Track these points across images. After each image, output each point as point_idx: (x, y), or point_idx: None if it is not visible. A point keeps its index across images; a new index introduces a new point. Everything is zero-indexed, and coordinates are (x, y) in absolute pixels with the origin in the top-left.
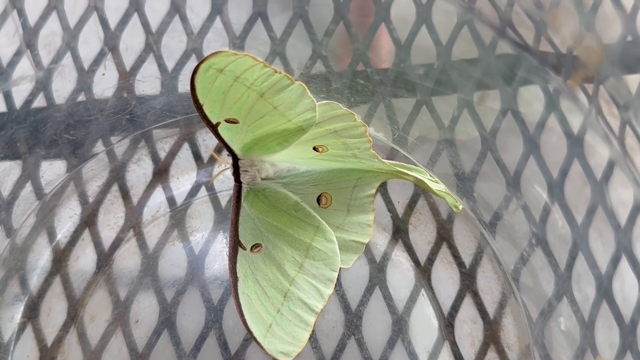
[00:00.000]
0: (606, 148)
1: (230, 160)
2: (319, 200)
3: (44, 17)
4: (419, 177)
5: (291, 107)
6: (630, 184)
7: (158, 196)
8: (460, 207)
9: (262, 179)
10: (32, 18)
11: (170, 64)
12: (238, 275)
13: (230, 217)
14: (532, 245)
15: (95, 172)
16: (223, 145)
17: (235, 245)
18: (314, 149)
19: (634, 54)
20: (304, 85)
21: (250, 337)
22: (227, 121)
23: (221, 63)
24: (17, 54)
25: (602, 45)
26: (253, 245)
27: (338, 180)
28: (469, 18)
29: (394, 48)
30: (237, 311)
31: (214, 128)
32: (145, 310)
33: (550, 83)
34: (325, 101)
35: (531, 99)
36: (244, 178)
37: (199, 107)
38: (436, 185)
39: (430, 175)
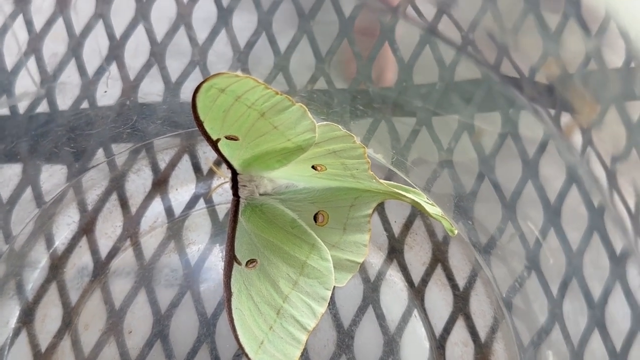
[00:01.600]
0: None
1: (229, 174)
2: (315, 218)
3: (49, 24)
4: (415, 199)
5: (291, 127)
6: (627, 214)
7: (156, 206)
8: (456, 231)
9: (260, 195)
10: (38, 25)
11: (173, 76)
12: (232, 290)
13: (227, 231)
14: (527, 270)
15: (95, 181)
16: (223, 160)
17: (231, 260)
18: (313, 167)
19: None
20: (304, 107)
21: (241, 353)
22: (227, 138)
23: (223, 84)
24: (20, 63)
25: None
26: (248, 261)
27: (336, 198)
28: (471, 41)
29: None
30: (229, 326)
31: (214, 144)
32: (139, 321)
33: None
34: (325, 122)
35: (529, 126)
36: (242, 193)
37: (199, 124)
38: (432, 209)
39: (427, 198)
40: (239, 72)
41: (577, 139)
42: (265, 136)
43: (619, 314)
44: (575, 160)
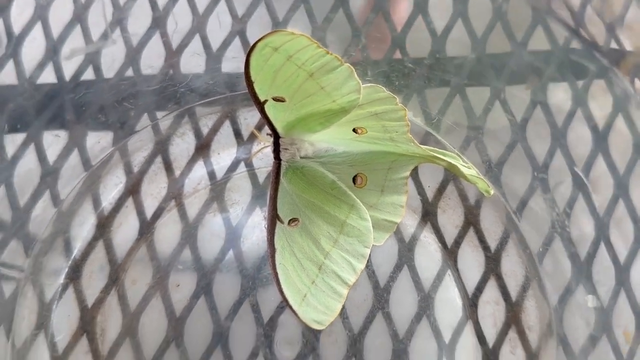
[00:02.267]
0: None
1: (270, 138)
2: (354, 180)
3: None
4: (452, 162)
5: (337, 88)
6: None
7: (199, 170)
8: (492, 191)
9: (301, 157)
10: None
11: (215, 44)
12: (276, 247)
13: (269, 192)
14: (556, 232)
15: (141, 144)
16: (267, 122)
17: (274, 218)
18: (354, 130)
19: None
20: (351, 67)
21: (283, 305)
22: (274, 99)
23: (278, 41)
24: (68, 27)
25: None
26: (290, 220)
27: (374, 161)
28: (504, 11)
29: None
30: (274, 280)
31: (261, 105)
32: (184, 276)
33: (583, 76)
34: (369, 84)
35: (560, 94)
36: (284, 156)
37: (249, 84)
38: (469, 171)
39: (464, 161)
40: (293, 31)
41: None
42: (312, 97)
43: None
44: (609, 119)
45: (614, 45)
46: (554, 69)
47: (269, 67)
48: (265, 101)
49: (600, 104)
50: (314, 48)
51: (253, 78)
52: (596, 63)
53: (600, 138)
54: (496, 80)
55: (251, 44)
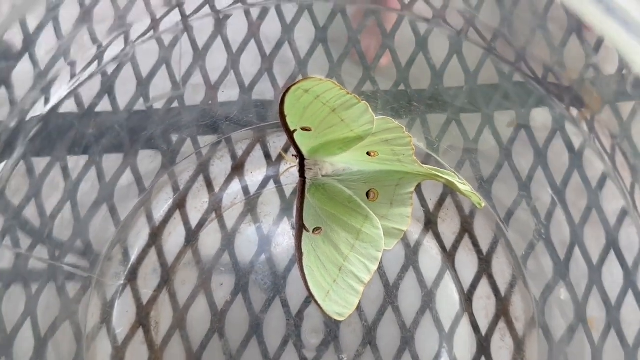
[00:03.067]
0: (601, 164)
1: (295, 159)
2: (368, 194)
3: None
4: (450, 179)
5: (355, 120)
6: (619, 193)
7: (235, 186)
8: (483, 204)
9: (322, 176)
10: (134, 36)
11: (247, 81)
12: (303, 252)
13: (296, 205)
14: (538, 238)
15: (186, 166)
16: (294, 147)
17: (301, 228)
18: (367, 153)
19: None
20: (367, 104)
21: (309, 301)
22: (302, 129)
23: (309, 85)
24: (119, 68)
25: (596, 84)
26: (315, 228)
27: (384, 179)
28: (492, 52)
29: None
30: (302, 279)
31: (290, 134)
32: (225, 277)
33: (555, 109)
34: (381, 116)
35: (541, 119)
36: (308, 174)
37: (282, 117)
38: (464, 186)
39: (459, 178)
40: (322, 77)
41: (583, 128)
42: (333, 127)
43: (613, 273)
44: (582, 143)
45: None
46: (533, 100)
47: (300, 105)
48: (295, 130)
49: (573, 131)
50: (337, 90)
51: (286, 113)
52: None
53: (576, 156)
54: (486, 107)
55: (277, 82)
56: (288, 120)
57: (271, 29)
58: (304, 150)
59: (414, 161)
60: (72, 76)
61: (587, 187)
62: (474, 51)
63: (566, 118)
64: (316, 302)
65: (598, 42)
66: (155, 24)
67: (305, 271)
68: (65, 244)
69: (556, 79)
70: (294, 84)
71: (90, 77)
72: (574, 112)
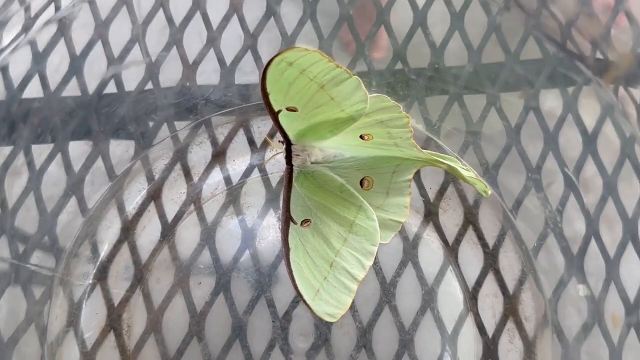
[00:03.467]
0: (617, 144)
1: (282, 145)
2: (361, 183)
3: (114, 11)
4: (452, 165)
5: (346, 98)
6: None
7: (216, 175)
8: (490, 192)
9: (311, 163)
10: (104, 13)
11: (228, 59)
12: (290, 246)
13: (282, 195)
14: (550, 229)
15: (161, 153)
16: (279, 131)
17: (288, 220)
18: (361, 137)
19: None
20: (359, 79)
21: (297, 300)
22: (288, 109)
23: (293, 57)
24: (89, 45)
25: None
26: (303, 221)
27: (379, 166)
28: (498, 24)
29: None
30: (289, 277)
31: (275, 115)
32: (204, 275)
33: (572, 84)
34: (375, 94)
35: (552, 100)
36: (296, 161)
37: (265, 95)
38: (467, 173)
39: (462, 163)
40: (307, 47)
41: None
42: (322, 107)
43: (631, 269)
44: (597, 124)
45: (599, 55)
46: (544, 78)
47: (284, 80)
48: (280, 111)
49: (588, 110)
50: (325, 62)
51: (269, 90)
52: (581, 74)
53: (589, 141)
54: (491, 88)
55: (263, 58)
56: (271, 98)
57: (255, 2)
58: (291, 135)
59: (412, 145)
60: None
61: (602, 173)
62: (478, 24)
63: (583, 94)
64: (305, 301)
65: None
66: None
67: (293, 267)
68: (29, 240)
69: (581, 48)
70: (277, 55)
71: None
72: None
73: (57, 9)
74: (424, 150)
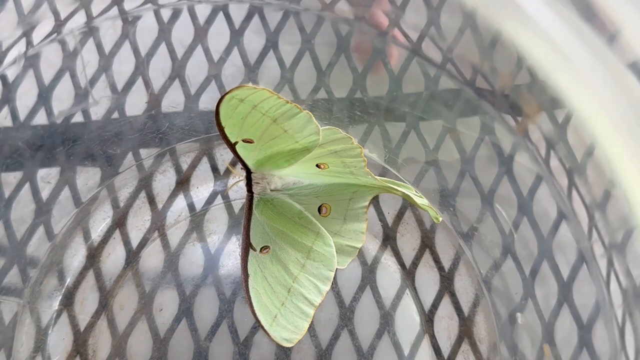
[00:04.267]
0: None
1: (244, 173)
2: (319, 209)
3: (81, 44)
4: (405, 192)
5: (299, 131)
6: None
7: (180, 202)
8: (441, 219)
9: (271, 190)
10: (71, 45)
11: (193, 89)
12: (249, 273)
13: (243, 222)
14: (503, 254)
15: (126, 181)
16: (239, 160)
17: (247, 247)
18: (317, 166)
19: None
20: (310, 113)
21: (257, 326)
22: (244, 141)
23: (243, 94)
24: (58, 76)
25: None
26: (262, 247)
27: (337, 193)
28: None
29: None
30: (247, 303)
31: (232, 146)
32: (167, 301)
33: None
34: (327, 127)
35: (501, 131)
36: (256, 189)
37: (220, 129)
38: (420, 200)
39: (416, 191)
40: (255, 85)
41: (540, 143)
42: (277, 139)
43: (584, 292)
44: (538, 164)
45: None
46: (497, 107)
47: (237, 115)
48: (236, 143)
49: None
50: (275, 99)
51: (223, 124)
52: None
53: (544, 166)
54: (448, 114)
55: (226, 89)
56: (227, 132)
57: (218, 33)
58: (250, 164)
59: (367, 173)
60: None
61: (555, 197)
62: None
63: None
64: (262, 327)
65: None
66: (90, 23)
67: (251, 294)
68: None
69: (489, 85)
70: (227, 93)
71: (19, 80)
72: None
73: (28, 45)
74: (378, 178)
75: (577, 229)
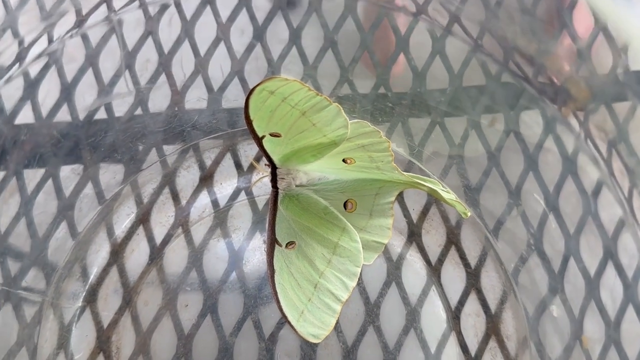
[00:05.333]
0: (595, 169)
1: (268, 169)
2: (345, 205)
3: (103, 40)
4: (432, 187)
5: (327, 124)
6: (616, 201)
7: (204, 199)
8: (469, 213)
9: (296, 186)
10: (94, 41)
11: (216, 85)
12: (275, 268)
13: (268, 218)
14: (530, 249)
15: (150, 177)
16: (265, 155)
17: (273, 242)
18: (343, 160)
19: (621, 84)
20: (339, 106)
21: (282, 322)
22: (271, 135)
23: (273, 86)
24: (80, 73)
25: (590, 82)
26: (288, 243)
27: (362, 188)
28: (477, 51)
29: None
30: (274, 299)
31: (259, 140)
32: (192, 297)
33: (547, 110)
34: (356, 120)
35: (531, 123)
36: (281, 184)
37: (249, 122)
38: (448, 195)
39: (443, 186)
40: (287, 77)
41: (575, 125)
42: (305, 133)
43: (612, 287)
44: (575, 148)
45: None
46: (526, 99)
47: (266, 108)
48: (263, 136)
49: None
50: (305, 91)
51: (252, 117)
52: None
53: (569, 162)
54: (472, 110)
55: (249, 86)
56: (255, 125)
57: (241, 29)
58: (275, 159)
59: (393, 168)
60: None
61: (582, 195)
62: (458, 50)
63: (558, 121)
64: (289, 323)
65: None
66: (111, 17)
67: (278, 289)
68: (20, 263)
69: (547, 78)
70: (258, 85)
71: (42, 76)
72: (566, 112)
73: (50, 41)
74: (405, 173)
75: (606, 222)
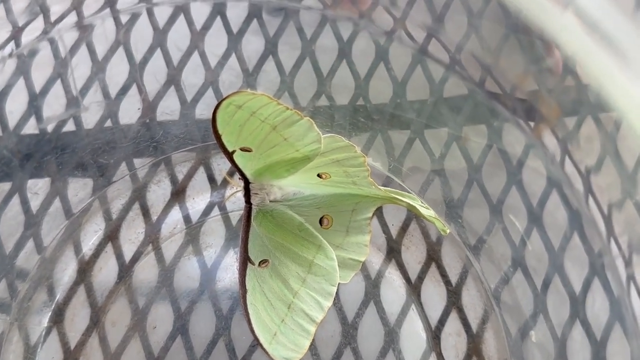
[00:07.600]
0: (578, 183)
1: (242, 183)
2: (321, 221)
3: (74, 49)
4: (411, 203)
5: (299, 138)
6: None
7: (175, 214)
8: (448, 230)
9: (270, 201)
10: (63, 51)
11: (189, 95)
12: (247, 288)
13: (241, 235)
14: (513, 267)
15: (119, 192)
16: (237, 170)
17: (245, 260)
18: (318, 175)
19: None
20: (311, 120)
21: (256, 344)
22: (242, 149)
23: (240, 100)
24: (50, 82)
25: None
26: (261, 261)
27: (339, 204)
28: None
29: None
30: (245, 320)
31: (230, 155)
32: (161, 318)
33: (524, 128)
34: (329, 134)
35: (512, 137)
36: (254, 200)
37: (217, 137)
38: (426, 211)
39: (422, 202)
40: (254, 91)
41: (553, 144)
42: (276, 147)
43: (598, 306)
44: (554, 168)
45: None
46: (510, 110)
47: (235, 122)
48: (234, 151)
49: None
50: (274, 105)
51: (220, 132)
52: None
53: (554, 175)
54: (453, 123)
55: (223, 96)
56: (224, 139)
57: (216, 37)
58: (248, 173)
59: (370, 183)
60: None
61: (566, 207)
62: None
63: (533, 139)
64: (261, 346)
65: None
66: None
67: (250, 310)
68: None
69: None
70: (225, 99)
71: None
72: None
73: (17, 45)
74: (382, 188)
75: (592, 238)
